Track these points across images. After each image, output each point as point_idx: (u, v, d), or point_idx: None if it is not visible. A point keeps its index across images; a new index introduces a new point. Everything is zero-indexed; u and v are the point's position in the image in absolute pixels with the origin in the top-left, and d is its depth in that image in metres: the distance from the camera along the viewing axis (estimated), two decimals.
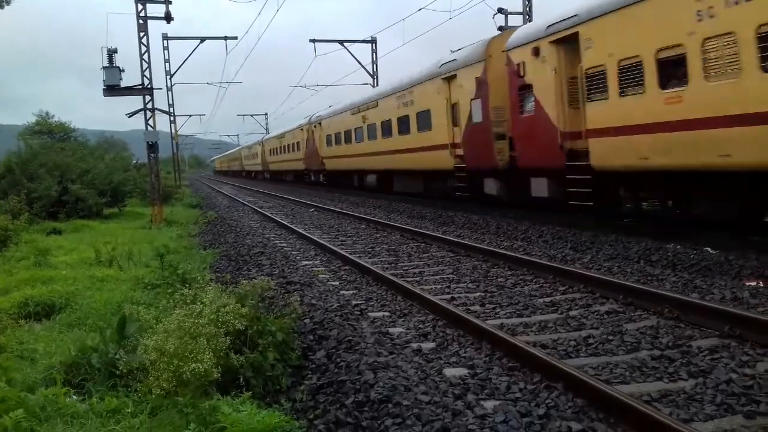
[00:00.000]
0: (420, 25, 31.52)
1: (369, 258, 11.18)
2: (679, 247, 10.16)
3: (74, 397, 4.78)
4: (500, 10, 27.54)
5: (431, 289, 8.39)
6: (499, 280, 8.86)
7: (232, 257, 11.89)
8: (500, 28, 27.13)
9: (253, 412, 4.24)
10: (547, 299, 7.58)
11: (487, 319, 6.71)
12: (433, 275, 9.48)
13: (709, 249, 9.76)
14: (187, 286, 7.28)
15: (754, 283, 7.60)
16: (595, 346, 5.70)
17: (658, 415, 3.84)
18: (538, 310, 7.12)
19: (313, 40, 37.12)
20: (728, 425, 4.00)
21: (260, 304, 6.23)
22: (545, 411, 4.24)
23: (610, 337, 5.89)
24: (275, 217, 19.40)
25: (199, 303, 5.12)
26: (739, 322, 5.74)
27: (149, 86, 22.03)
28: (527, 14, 27.69)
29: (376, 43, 39.31)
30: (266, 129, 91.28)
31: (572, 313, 6.89)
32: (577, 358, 5.44)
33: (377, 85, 37.14)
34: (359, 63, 38.61)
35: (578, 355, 5.54)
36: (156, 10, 22.57)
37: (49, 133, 52.94)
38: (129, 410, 4.45)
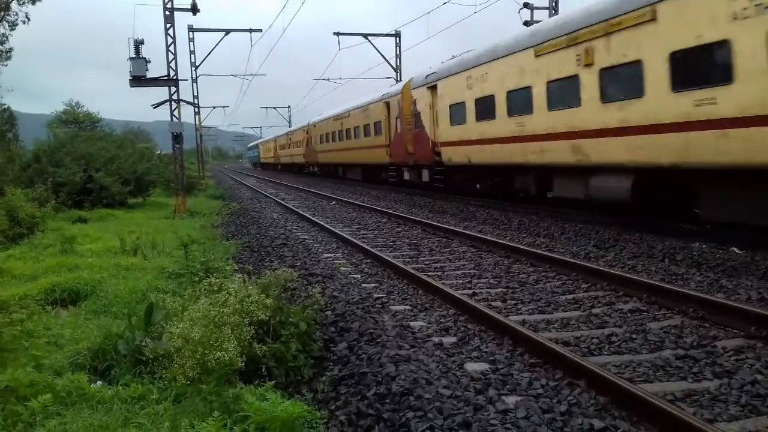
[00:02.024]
0: (445, 18, 31.40)
1: (390, 252, 11.19)
2: (704, 246, 10.04)
3: (99, 382, 4.87)
4: (526, 5, 27.30)
5: (453, 283, 8.38)
6: (521, 276, 8.83)
7: (255, 248, 11.97)
8: (526, 23, 26.96)
9: (276, 401, 4.27)
10: (570, 296, 7.54)
11: (509, 315, 6.70)
12: (454, 270, 9.47)
13: (735, 249, 9.63)
14: (211, 275, 7.37)
15: None
16: (618, 345, 5.66)
17: (682, 415, 3.81)
18: (561, 307, 7.09)
19: (337, 34, 37.15)
20: (753, 426, 3.96)
21: (283, 295, 6.28)
22: (567, 408, 4.22)
23: (634, 336, 5.84)
24: (297, 210, 19.49)
25: (224, 293, 5.17)
26: (765, 322, 5.66)
27: (175, 77, 22.22)
28: (553, 8, 27.42)
29: (400, 37, 39.22)
30: (289, 122, 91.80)
31: (595, 310, 6.85)
32: (599, 356, 5.41)
33: (401, 79, 37.07)
34: (383, 57, 38.57)
35: (601, 353, 5.51)
36: (183, 1, 22.79)
37: (76, 122, 53.64)
38: (153, 397, 4.52)
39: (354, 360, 5.37)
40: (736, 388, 4.51)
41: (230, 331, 4.71)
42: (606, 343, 5.71)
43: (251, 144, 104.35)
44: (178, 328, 4.73)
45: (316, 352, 5.59)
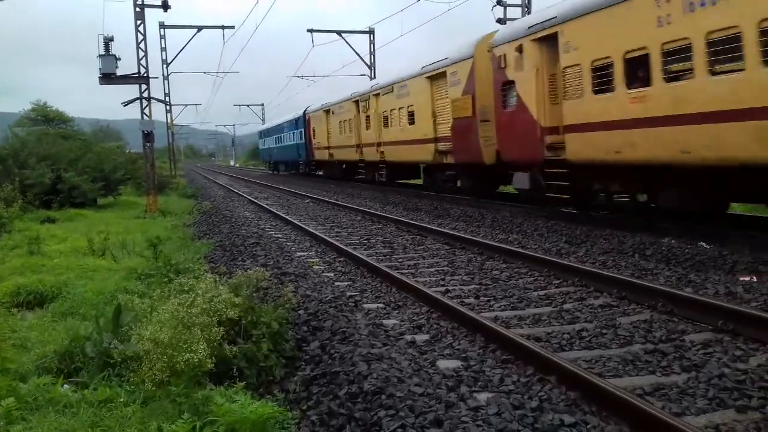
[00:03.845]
0: (419, 15, 31.47)
1: (364, 249, 11.17)
2: (674, 241, 10.19)
3: (66, 386, 4.77)
4: (499, 2, 27.46)
5: (426, 281, 8.39)
6: (494, 272, 8.86)
7: (227, 248, 11.86)
8: (499, 20, 27.12)
9: (246, 402, 4.23)
10: (542, 292, 7.59)
11: (481, 312, 6.72)
12: (428, 267, 9.48)
13: (703, 244, 9.79)
14: (181, 276, 7.28)
15: (747, 278, 7.62)
16: (588, 340, 5.71)
17: (650, 409, 3.85)
18: (533, 303, 7.13)
19: (311, 30, 37.02)
20: (720, 419, 4.01)
21: (255, 294, 6.22)
22: (538, 403, 4.24)
23: (604, 331, 5.90)
24: (271, 208, 19.37)
25: (192, 293, 5.11)
26: (732, 316, 5.75)
27: (145, 75, 21.94)
28: (526, 6, 27.62)
29: (374, 34, 39.21)
30: (262, 119, 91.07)
31: (566, 306, 6.90)
32: (570, 351, 5.45)
33: (374, 76, 37.08)
34: (357, 54, 38.52)
35: (572, 348, 5.55)
36: None
37: (46, 120, 52.66)
38: (121, 400, 4.45)
39: (326, 359, 5.34)
40: (703, 381, 4.57)
41: (199, 332, 4.65)
42: (577, 339, 5.76)
43: (266, 127, 60.79)
44: (146, 330, 4.66)
45: (288, 351, 5.55)
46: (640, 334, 5.73)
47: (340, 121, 31.78)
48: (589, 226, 12.29)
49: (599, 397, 4.22)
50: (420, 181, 25.88)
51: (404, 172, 26.80)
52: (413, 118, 21.67)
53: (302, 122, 40.60)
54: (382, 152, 25.54)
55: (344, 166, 33.74)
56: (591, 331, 5.94)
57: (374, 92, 26.07)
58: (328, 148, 34.92)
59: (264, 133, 61.27)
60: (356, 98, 28.62)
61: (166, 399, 4.38)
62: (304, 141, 40.74)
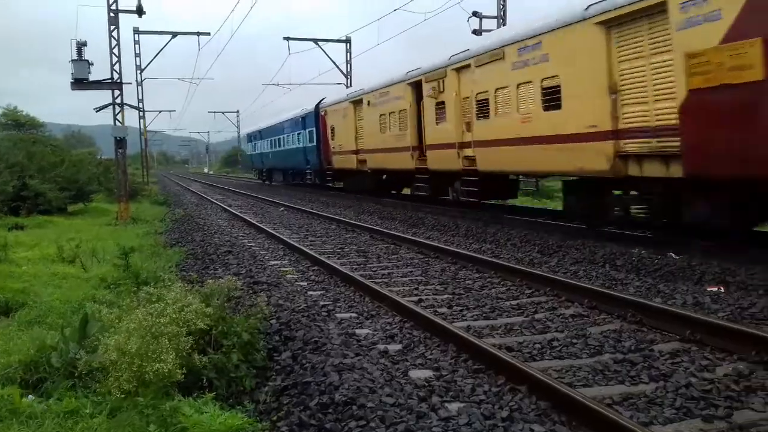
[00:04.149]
0: (396, 25, 31.64)
1: (338, 258, 11.14)
2: (644, 252, 10.32)
3: (31, 397, 4.67)
4: (475, 14, 27.79)
5: (399, 290, 8.39)
6: (467, 282, 8.90)
7: (199, 256, 11.75)
8: (474, 31, 27.40)
9: (215, 413, 4.19)
10: (514, 302, 7.63)
11: (454, 321, 6.73)
12: (401, 277, 9.49)
13: (672, 254, 9.93)
14: (151, 285, 7.18)
15: (715, 289, 7.74)
16: (559, 349, 5.75)
17: (619, 418, 3.88)
18: (505, 313, 7.17)
19: (287, 38, 37.02)
20: (686, 429, 4.06)
21: (226, 304, 6.16)
22: (509, 413, 4.26)
23: (575, 341, 5.95)
24: (244, 216, 19.23)
25: (161, 302, 5.04)
26: (699, 326, 5.84)
27: (119, 81, 21.69)
28: (501, 18, 27.93)
29: (350, 43, 39.35)
30: (237, 126, 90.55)
31: (538, 316, 6.95)
32: (541, 361, 5.48)
33: (350, 85, 37.14)
34: (333, 62, 38.58)
35: (543, 357, 5.58)
36: (128, 3, 22.30)
37: (17, 126, 51.73)
38: (87, 411, 4.36)
39: (298, 369, 5.31)
40: (671, 391, 4.63)
41: (168, 342, 4.59)
42: (548, 348, 5.79)
43: (256, 128, 48.67)
44: (113, 339, 4.59)
45: (259, 362, 5.50)
46: (609, 344, 5.79)
47: (380, 115, 22.12)
48: (561, 236, 12.41)
49: (569, 406, 4.24)
50: (554, 205, 19.01)
51: (500, 186, 17.39)
52: (554, 99, 12.53)
53: (313, 120, 31.00)
54: (471, 158, 16.17)
55: (384, 177, 24.68)
56: (562, 340, 5.98)
57: (458, 64, 16.43)
58: (357, 152, 24.98)
59: (253, 136, 49.13)
60: (415, 78, 19.10)
61: (133, 410, 4.31)
62: (315, 144, 30.97)
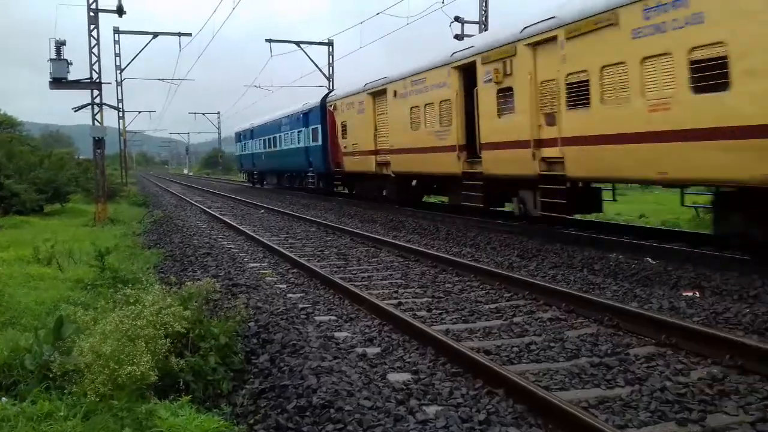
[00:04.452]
0: (378, 28, 31.69)
1: (318, 261, 11.12)
2: (621, 256, 10.42)
3: (4, 399, 4.60)
4: (457, 19, 27.91)
5: (379, 293, 8.39)
6: (446, 285, 8.92)
7: (178, 258, 11.65)
8: (456, 36, 27.51)
9: (191, 416, 4.16)
10: (493, 305, 7.67)
11: (433, 325, 6.75)
12: (381, 280, 9.49)
13: (649, 259, 10.04)
14: (129, 286, 7.11)
15: (690, 294, 7.84)
16: (537, 353, 5.78)
17: (594, 421, 3.92)
18: (484, 317, 7.20)
19: (269, 40, 36.87)
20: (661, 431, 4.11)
21: (204, 306, 6.12)
22: (486, 416, 4.27)
23: (552, 344, 5.99)
24: (224, 218, 19.12)
25: (138, 305, 5.00)
26: (675, 331, 5.90)
27: (98, 80, 21.47)
28: (483, 23, 28.08)
29: (332, 46, 39.30)
30: (218, 128, 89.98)
31: (516, 319, 6.99)
32: (519, 365, 5.51)
33: (333, 87, 37.11)
34: (315, 65, 38.51)
35: (520, 361, 5.61)
36: (108, 2, 22.10)
37: None
38: (62, 414, 4.30)
39: (275, 372, 5.28)
40: (646, 394, 4.67)
41: (144, 345, 4.55)
42: (525, 352, 5.83)
43: (248, 126, 43.59)
44: (88, 342, 4.53)
45: (237, 364, 5.47)
46: (586, 348, 5.84)
47: (412, 108, 18.20)
48: (541, 240, 12.49)
49: (546, 410, 4.27)
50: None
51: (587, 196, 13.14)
52: (716, 77, 8.83)
53: (318, 116, 27.38)
54: (553, 160, 12.42)
55: (414, 182, 20.55)
56: (539, 344, 6.02)
57: (536, 38, 12.57)
58: (376, 152, 21.26)
59: (244, 136, 44.31)
60: (465, 60, 15.24)
61: (108, 413, 4.25)
62: (320, 143, 27.25)
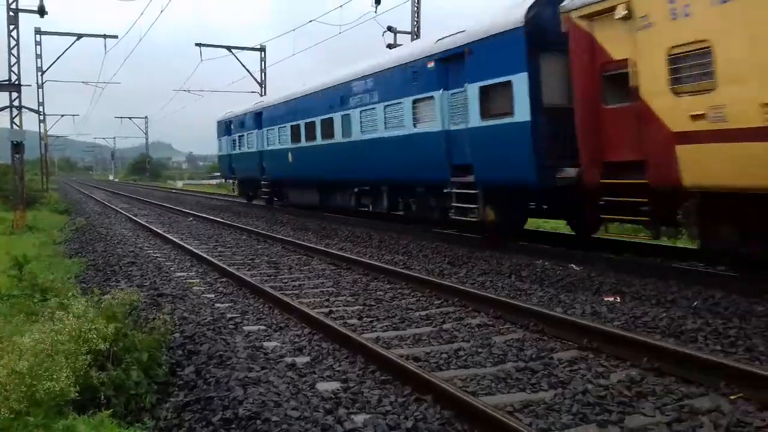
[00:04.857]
0: (311, 35, 31.58)
1: (248, 270, 10.95)
2: (547, 263, 10.71)
3: None
4: (389, 29, 28.14)
5: (310, 302, 8.33)
6: (378, 293, 8.94)
7: (101, 267, 11.25)
8: (389, 46, 27.75)
9: (113, 431, 4.01)
10: (423, 312, 7.73)
11: (363, 333, 6.75)
12: (312, 288, 9.43)
13: (573, 266, 10.36)
14: (48, 298, 6.82)
15: (611, 299, 8.13)
16: (465, 359, 5.87)
17: (518, 425, 4.01)
18: (414, 324, 7.25)
19: (200, 45, 36.21)
20: None
21: (128, 317, 5.93)
22: (414, 423, 4.31)
23: (480, 350, 6.09)
24: (150, 226, 18.59)
25: (57, 321, 4.79)
26: (596, 335, 6.11)
27: (17, 82, 20.57)
28: (415, 34, 28.44)
29: (265, 51, 38.97)
30: (145, 133, 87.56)
31: (445, 326, 7.07)
32: (447, 371, 5.57)
33: (265, 93, 36.76)
34: (247, 70, 38.08)
35: (449, 367, 5.68)
36: (29, 2, 21.24)
37: None
38: None
39: (201, 384, 5.17)
40: (568, 397, 4.81)
41: (64, 360, 4.37)
42: (454, 358, 5.90)
43: (241, 112, 27.81)
44: (3, 359, 4.32)
45: (161, 377, 5.32)
46: (512, 353, 5.97)
47: None
48: (471, 248, 12.70)
49: (472, 415, 4.34)
50: None
51: None
52: None
53: (521, 53, 11.06)
54: None
55: None
56: (467, 350, 6.11)
57: None
58: None
59: (240, 124, 27.97)
60: None
61: (23, 430, 4.06)
62: (527, 118, 10.98)
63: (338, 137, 18.10)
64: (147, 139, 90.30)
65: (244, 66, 37.76)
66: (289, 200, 24.59)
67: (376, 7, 26.81)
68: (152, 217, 23.00)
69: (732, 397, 4.66)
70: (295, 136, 21.24)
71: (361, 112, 16.73)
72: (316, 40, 30.25)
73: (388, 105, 15.38)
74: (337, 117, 18.08)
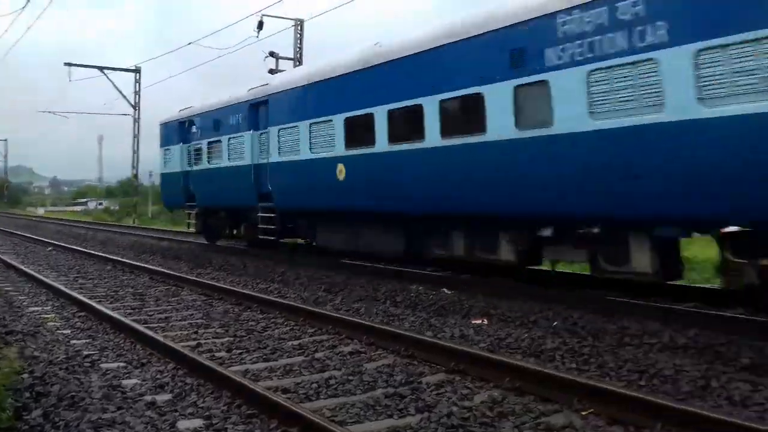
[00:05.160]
0: (190, 58, 30.79)
1: (110, 303, 10.32)
2: (421, 288, 10.92)
3: None
4: (272, 54, 28.06)
5: (176, 335, 7.97)
6: (250, 324, 8.71)
7: None
8: (271, 71, 27.61)
9: None
10: (296, 342, 7.60)
11: (231, 366, 6.52)
12: (180, 320, 9.03)
13: (445, 290, 10.63)
14: None
15: (479, 321, 8.40)
16: (335, 387, 5.80)
17: None
18: (286, 354, 7.10)
19: (69, 64, 34.37)
20: None
21: None
22: None
23: (350, 378, 6.05)
24: (2, 257, 17.12)
25: None
26: (463, 357, 6.26)
27: None
28: (298, 59, 28.55)
29: (140, 73, 37.53)
30: (5, 157, 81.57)
31: (318, 355, 6.98)
32: (317, 401, 5.48)
33: (139, 117, 35.32)
34: (119, 92, 36.47)
35: (318, 397, 5.59)
36: None
37: None
38: None
39: (49, 428, 4.76)
40: (434, 421, 4.86)
41: None
42: (324, 387, 5.82)
43: (208, 109, 18.74)
44: None
45: (4, 422, 4.84)
46: (383, 379, 5.97)
47: None
48: (348, 274, 12.71)
49: None
50: None
51: None
52: None
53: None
54: None
55: None
56: (338, 378, 6.06)
57: None
58: None
59: (200, 129, 19.25)
60: None
61: None
62: None
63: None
64: (6, 162, 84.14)
65: (116, 87, 36.17)
66: (318, 241, 15.42)
67: (258, 32, 26.75)
68: (6, 247, 21.25)
69: (584, 413, 4.91)
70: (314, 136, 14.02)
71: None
72: (194, 62, 29.57)
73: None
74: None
